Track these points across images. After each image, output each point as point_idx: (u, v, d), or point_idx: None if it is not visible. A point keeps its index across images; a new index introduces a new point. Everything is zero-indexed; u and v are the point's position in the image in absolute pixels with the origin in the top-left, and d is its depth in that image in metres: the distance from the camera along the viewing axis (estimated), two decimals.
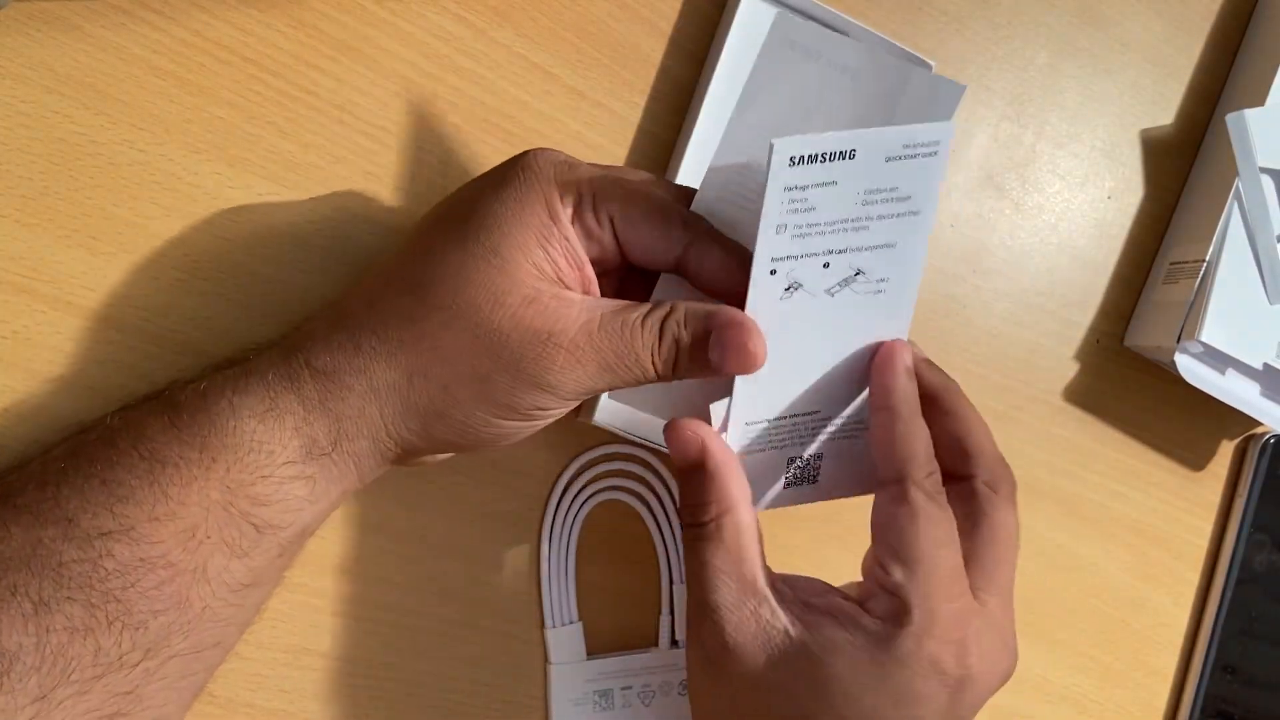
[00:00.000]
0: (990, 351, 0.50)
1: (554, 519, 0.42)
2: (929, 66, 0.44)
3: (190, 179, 0.37)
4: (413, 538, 0.41)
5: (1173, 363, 0.48)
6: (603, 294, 0.34)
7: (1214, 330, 0.47)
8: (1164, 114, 0.52)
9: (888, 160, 0.31)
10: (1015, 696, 0.50)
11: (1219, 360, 0.49)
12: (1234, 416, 0.50)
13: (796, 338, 0.33)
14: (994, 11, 0.49)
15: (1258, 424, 0.53)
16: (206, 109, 0.37)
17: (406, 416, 0.32)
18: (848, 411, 0.36)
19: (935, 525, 0.33)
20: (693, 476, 0.33)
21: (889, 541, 0.33)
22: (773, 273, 0.31)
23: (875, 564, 0.33)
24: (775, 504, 0.37)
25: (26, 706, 0.28)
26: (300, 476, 0.32)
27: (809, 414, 0.35)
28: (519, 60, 0.41)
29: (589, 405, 0.41)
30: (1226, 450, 0.54)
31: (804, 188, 0.30)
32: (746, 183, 0.34)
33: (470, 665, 0.41)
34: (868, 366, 0.35)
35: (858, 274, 0.32)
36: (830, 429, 0.36)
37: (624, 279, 0.36)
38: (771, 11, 0.42)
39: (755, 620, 0.33)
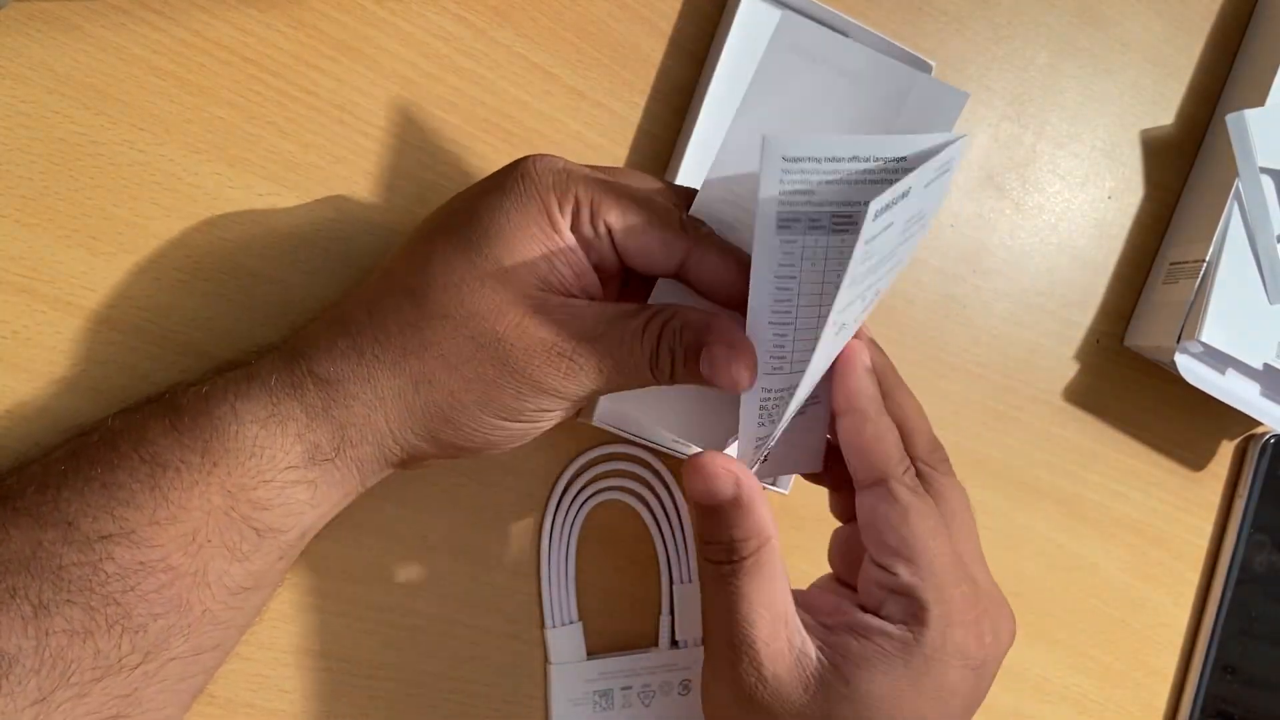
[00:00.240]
0: (990, 351, 0.50)
1: (554, 519, 0.42)
2: (929, 67, 0.44)
3: (190, 179, 0.37)
4: (413, 538, 0.41)
5: (1173, 363, 0.48)
6: (605, 299, 0.34)
7: (1214, 330, 0.47)
8: (1164, 114, 0.52)
9: (926, 186, 0.30)
10: (1015, 696, 0.50)
11: (1219, 360, 0.49)
12: (1234, 416, 0.50)
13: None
14: (994, 11, 0.49)
15: (1258, 424, 0.53)
16: (206, 109, 0.37)
17: (412, 423, 0.32)
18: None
19: (925, 517, 0.33)
20: (727, 511, 0.32)
21: (886, 542, 0.33)
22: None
23: (877, 568, 0.33)
24: None
25: (26, 709, 0.28)
26: (302, 481, 0.32)
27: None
28: (519, 60, 0.41)
29: (589, 405, 0.41)
30: (1226, 450, 0.54)
31: (872, 239, 0.29)
32: (746, 186, 0.34)
33: (470, 665, 0.41)
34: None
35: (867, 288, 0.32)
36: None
37: (626, 283, 0.36)
38: (771, 11, 0.42)
39: (789, 650, 0.32)
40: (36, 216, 0.35)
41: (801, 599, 0.35)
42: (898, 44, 0.43)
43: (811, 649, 0.33)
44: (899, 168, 0.29)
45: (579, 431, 0.43)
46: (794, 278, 0.31)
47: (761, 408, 0.33)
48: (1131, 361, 0.52)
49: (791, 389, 0.32)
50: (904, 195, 0.29)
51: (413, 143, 0.40)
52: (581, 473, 0.43)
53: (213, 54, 0.37)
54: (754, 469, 0.34)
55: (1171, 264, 0.50)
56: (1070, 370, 0.51)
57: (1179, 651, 0.53)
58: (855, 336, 0.35)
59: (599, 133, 0.43)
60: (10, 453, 0.35)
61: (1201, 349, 0.48)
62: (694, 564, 0.44)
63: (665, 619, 0.44)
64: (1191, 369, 0.49)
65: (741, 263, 0.32)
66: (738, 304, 0.32)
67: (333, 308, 0.34)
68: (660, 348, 0.32)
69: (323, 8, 0.38)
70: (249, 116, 0.38)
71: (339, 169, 0.39)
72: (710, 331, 0.32)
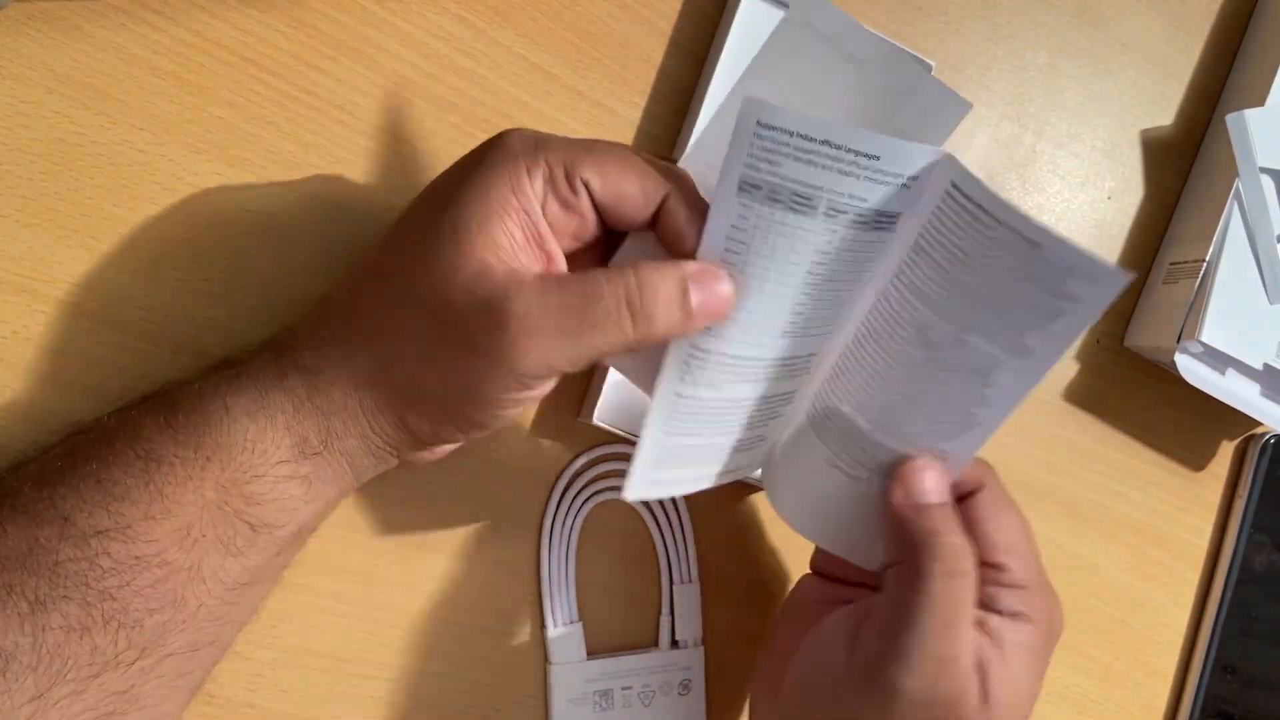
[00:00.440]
0: None
1: (554, 519, 0.42)
2: (929, 66, 0.44)
3: (190, 179, 0.37)
4: (413, 538, 0.41)
5: (1173, 363, 0.48)
6: (585, 267, 0.33)
7: (1214, 330, 0.47)
8: (1164, 114, 0.52)
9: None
10: None
11: (1219, 360, 0.49)
12: (1234, 416, 0.50)
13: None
14: (994, 12, 0.49)
15: (1258, 424, 0.53)
16: (206, 109, 0.37)
17: (383, 406, 0.32)
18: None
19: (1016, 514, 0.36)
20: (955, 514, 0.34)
21: (990, 540, 0.35)
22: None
23: (986, 566, 0.35)
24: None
25: (23, 706, 0.28)
26: (295, 476, 0.32)
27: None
28: (519, 60, 0.41)
29: (589, 405, 0.41)
30: (1226, 450, 0.54)
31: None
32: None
33: (470, 665, 0.41)
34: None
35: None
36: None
37: (607, 252, 0.35)
38: (772, 11, 0.42)
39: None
40: (36, 216, 0.35)
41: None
42: (897, 44, 0.43)
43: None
44: (870, 165, 0.29)
45: (579, 431, 0.43)
46: (745, 244, 0.31)
47: (685, 363, 0.33)
48: (1131, 362, 0.52)
49: (720, 354, 0.33)
50: (906, 184, 0.30)
51: (413, 143, 0.40)
52: (581, 473, 0.43)
53: (213, 54, 0.37)
54: (654, 430, 0.34)
55: (1171, 264, 0.50)
56: (1070, 370, 0.51)
57: (1179, 651, 0.53)
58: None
59: (599, 133, 0.43)
60: (9, 451, 0.35)
61: (1201, 349, 0.48)
62: (694, 564, 0.44)
63: (665, 619, 0.44)
64: (1191, 369, 0.49)
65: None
66: None
67: (321, 300, 0.34)
68: (627, 295, 0.31)
69: (323, 8, 0.39)
70: (249, 116, 0.38)
71: (339, 169, 0.39)
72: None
